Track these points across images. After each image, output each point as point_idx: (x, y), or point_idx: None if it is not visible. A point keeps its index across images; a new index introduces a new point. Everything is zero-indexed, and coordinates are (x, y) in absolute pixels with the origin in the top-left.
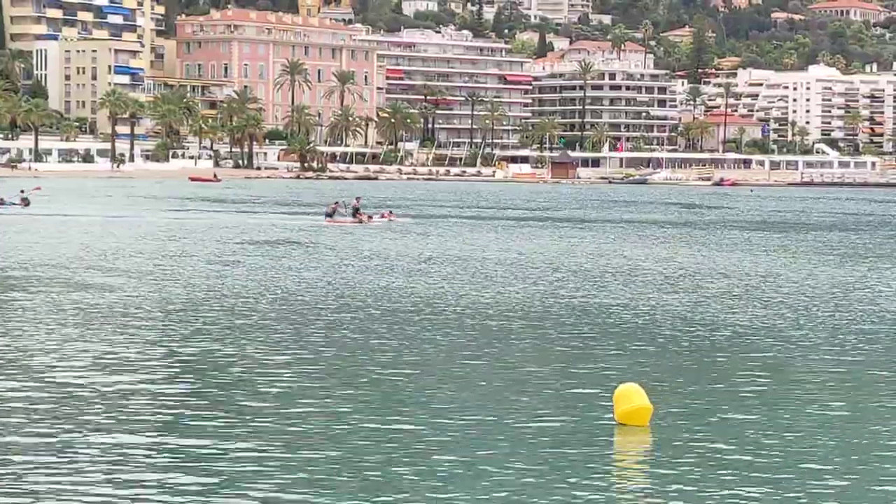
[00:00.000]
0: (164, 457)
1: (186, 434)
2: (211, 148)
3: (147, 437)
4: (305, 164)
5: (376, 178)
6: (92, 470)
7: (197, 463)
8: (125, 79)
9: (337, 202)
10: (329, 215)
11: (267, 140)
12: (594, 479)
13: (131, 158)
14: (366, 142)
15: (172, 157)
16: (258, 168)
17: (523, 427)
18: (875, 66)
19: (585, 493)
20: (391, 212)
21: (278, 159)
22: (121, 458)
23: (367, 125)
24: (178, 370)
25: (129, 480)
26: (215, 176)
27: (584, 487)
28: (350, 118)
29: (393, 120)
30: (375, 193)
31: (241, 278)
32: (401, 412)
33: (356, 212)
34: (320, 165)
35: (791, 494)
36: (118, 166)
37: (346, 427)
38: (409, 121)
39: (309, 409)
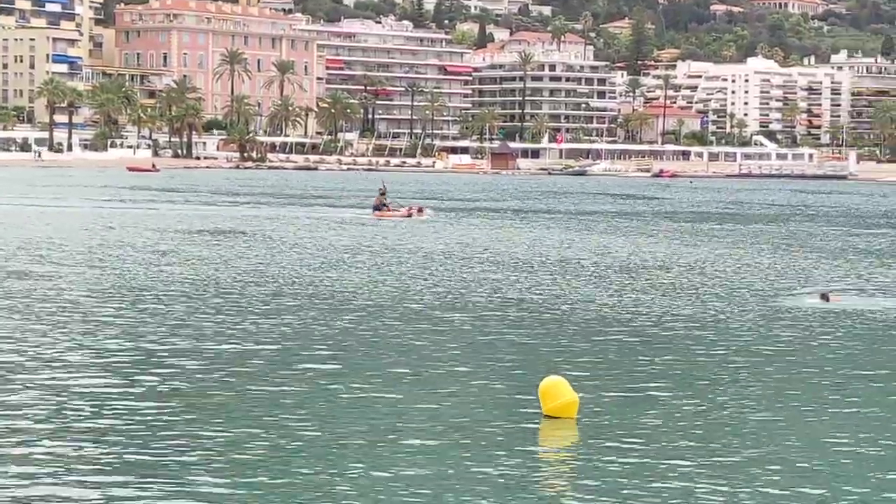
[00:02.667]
0: (99, 450)
1: (122, 428)
2: (150, 137)
3: (82, 432)
4: (245, 154)
5: (316, 169)
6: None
7: (132, 455)
8: (63, 67)
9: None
10: (377, 208)
11: (206, 130)
12: (521, 472)
13: (70, 147)
14: (306, 132)
15: (111, 146)
16: (198, 158)
17: (448, 420)
18: (813, 59)
19: (512, 486)
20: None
21: (218, 149)
22: (48, 447)
23: (306, 115)
24: (111, 360)
25: (55, 470)
26: (154, 166)
27: (510, 480)
28: (290, 108)
29: (333, 110)
30: (315, 184)
31: (177, 268)
32: (326, 405)
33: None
34: (260, 155)
35: (718, 482)
36: (39, 156)
37: (279, 419)
38: (349, 111)
39: (234, 399)
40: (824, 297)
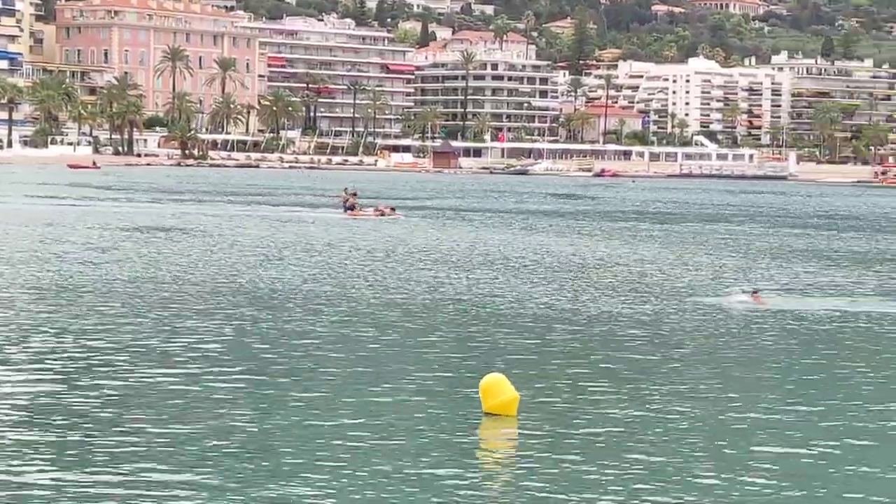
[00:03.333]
0: (27, 447)
1: (54, 426)
2: (90, 134)
3: (9, 427)
4: (186, 152)
5: (257, 167)
6: None
7: (67, 453)
8: (3, 63)
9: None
10: (350, 208)
11: (148, 127)
12: (461, 470)
13: (9, 144)
14: (247, 130)
15: (51, 143)
16: (139, 155)
17: (389, 418)
18: (753, 60)
19: (452, 484)
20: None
21: (159, 146)
22: None
23: (248, 113)
24: (47, 358)
25: None
26: (94, 163)
27: (450, 478)
28: (231, 106)
29: (275, 108)
30: (256, 182)
31: (117, 265)
32: (264, 405)
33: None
34: (201, 153)
35: (656, 478)
36: None
37: (214, 418)
38: (290, 109)
39: (167, 397)
40: (751, 294)
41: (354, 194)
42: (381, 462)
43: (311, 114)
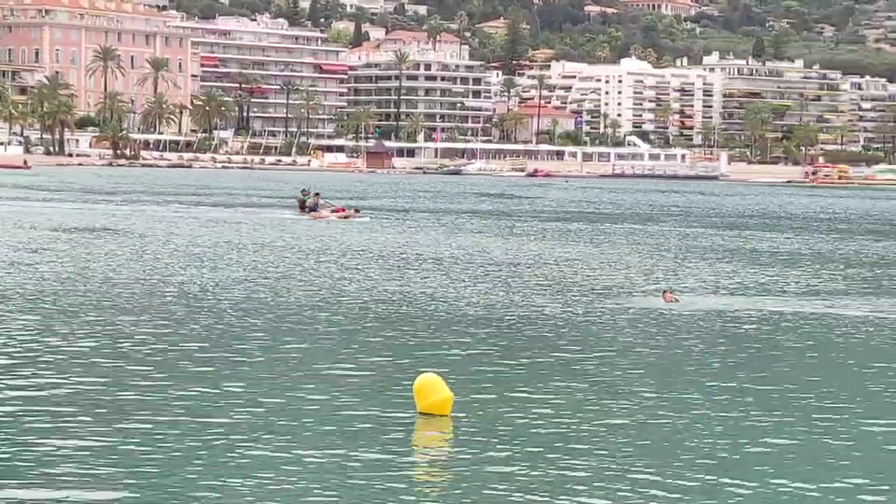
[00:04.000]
0: None
1: None
2: (21, 134)
3: None
4: (118, 152)
5: (190, 167)
6: None
7: None
8: None
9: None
10: (312, 209)
11: (79, 127)
12: (394, 471)
13: None
14: (180, 129)
15: None
16: (70, 155)
17: (322, 418)
18: (685, 60)
19: (387, 485)
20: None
21: (90, 146)
22: None
23: (181, 113)
24: None
25: None
26: (25, 163)
27: (383, 478)
28: (164, 105)
29: (207, 108)
30: (190, 182)
31: (47, 266)
32: (196, 405)
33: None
34: (133, 153)
35: (590, 476)
36: None
37: (146, 420)
38: (223, 109)
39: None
40: (666, 294)
41: (317, 195)
42: (314, 462)
43: (244, 114)
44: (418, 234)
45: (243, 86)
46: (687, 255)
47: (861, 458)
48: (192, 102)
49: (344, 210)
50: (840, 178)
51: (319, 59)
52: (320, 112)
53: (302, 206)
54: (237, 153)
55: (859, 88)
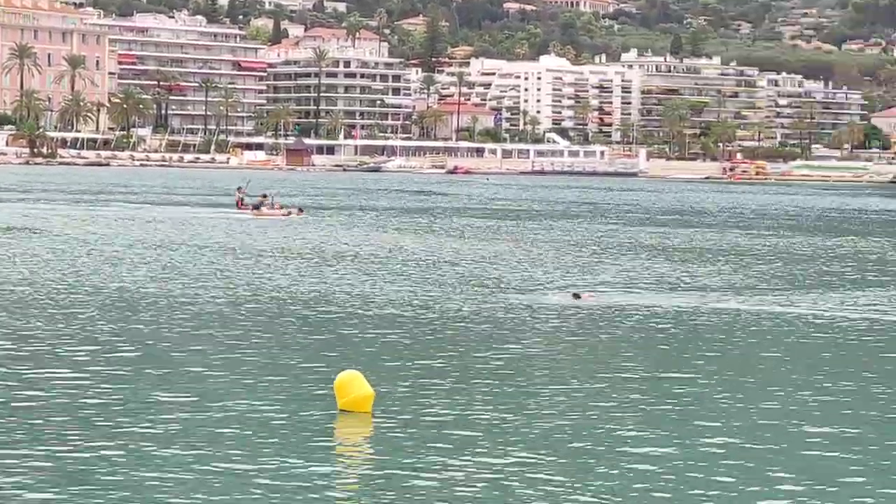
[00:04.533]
0: None
1: None
2: None
3: None
4: (35, 150)
5: (108, 165)
6: None
7: None
8: None
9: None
10: (256, 207)
11: None
12: (314, 467)
13: None
14: (97, 127)
15: None
16: None
17: (242, 416)
18: (604, 57)
19: (308, 482)
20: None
21: (7, 145)
22: None
23: (98, 111)
24: None
25: None
26: None
27: (304, 476)
28: (81, 103)
29: (125, 105)
30: (108, 180)
31: None
32: (114, 406)
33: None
34: (50, 151)
35: (508, 471)
36: None
37: (61, 421)
38: (141, 106)
39: None
40: (580, 295)
41: (265, 196)
42: (234, 460)
43: (163, 111)
44: (338, 231)
45: (161, 83)
46: (605, 252)
47: (781, 452)
48: (109, 100)
49: (281, 208)
50: (757, 174)
51: (238, 57)
52: (239, 110)
53: (241, 204)
54: (155, 151)
55: (776, 85)
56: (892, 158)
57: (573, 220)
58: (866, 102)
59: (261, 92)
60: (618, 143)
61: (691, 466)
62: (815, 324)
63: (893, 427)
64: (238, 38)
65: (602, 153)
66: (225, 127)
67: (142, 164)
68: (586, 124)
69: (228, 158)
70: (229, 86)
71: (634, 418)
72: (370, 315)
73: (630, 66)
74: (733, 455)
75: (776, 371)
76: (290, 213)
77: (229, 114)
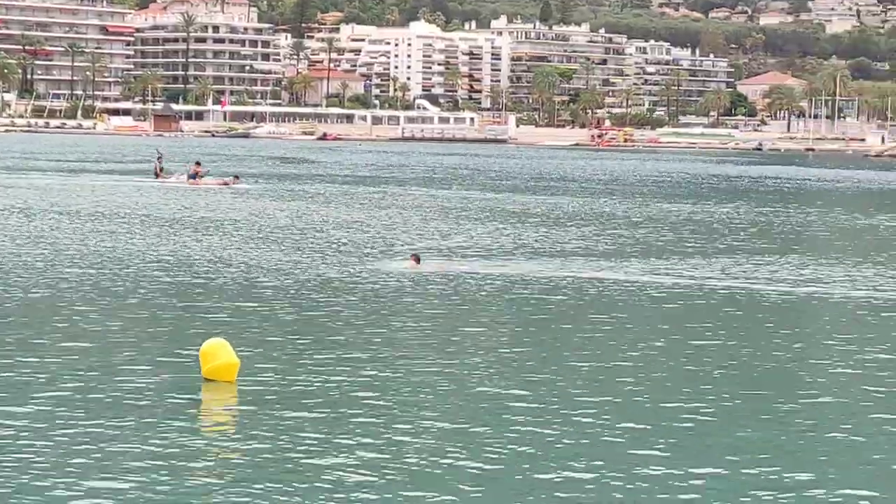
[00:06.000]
0: None
1: None
2: None
3: None
4: None
5: None
6: None
7: None
8: None
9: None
10: (192, 176)
11: None
12: (179, 437)
13: None
14: None
15: None
16: None
17: (106, 385)
18: (474, 24)
19: (170, 451)
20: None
21: None
22: None
23: None
24: None
25: None
26: None
27: (169, 446)
28: None
29: None
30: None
31: None
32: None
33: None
34: None
35: (375, 441)
36: None
37: None
38: (6, 71)
39: None
40: (416, 259)
41: (198, 164)
42: (96, 426)
43: (28, 76)
44: (203, 198)
45: (26, 48)
46: (469, 218)
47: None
48: None
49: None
50: (625, 140)
51: (105, 21)
52: (106, 75)
53: (158, 173)
54: (20, 116)
55: (644, 52)
56: (758, 125)
57: (440, 186)
58: (732, 70)
59: (128, 57)
60: (487, 110)
61: (554, 435)
62: (674, 291)
63: (757, 395)
64: (105, 2)
65: (472, 120)
66: (92, 92)
67: (6, 130)
68: (456, 91)
69: (95, 124)
70: (96, 50)
71: (490, 388)
72: (239, 283)
73: (500, 34)
74: (581, 427)
75: (630, 338)
76: (226, 183)
77: (96, 79)
